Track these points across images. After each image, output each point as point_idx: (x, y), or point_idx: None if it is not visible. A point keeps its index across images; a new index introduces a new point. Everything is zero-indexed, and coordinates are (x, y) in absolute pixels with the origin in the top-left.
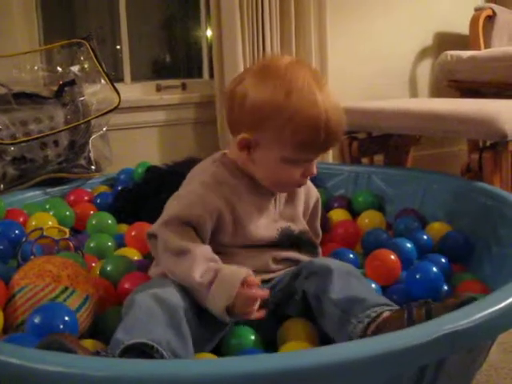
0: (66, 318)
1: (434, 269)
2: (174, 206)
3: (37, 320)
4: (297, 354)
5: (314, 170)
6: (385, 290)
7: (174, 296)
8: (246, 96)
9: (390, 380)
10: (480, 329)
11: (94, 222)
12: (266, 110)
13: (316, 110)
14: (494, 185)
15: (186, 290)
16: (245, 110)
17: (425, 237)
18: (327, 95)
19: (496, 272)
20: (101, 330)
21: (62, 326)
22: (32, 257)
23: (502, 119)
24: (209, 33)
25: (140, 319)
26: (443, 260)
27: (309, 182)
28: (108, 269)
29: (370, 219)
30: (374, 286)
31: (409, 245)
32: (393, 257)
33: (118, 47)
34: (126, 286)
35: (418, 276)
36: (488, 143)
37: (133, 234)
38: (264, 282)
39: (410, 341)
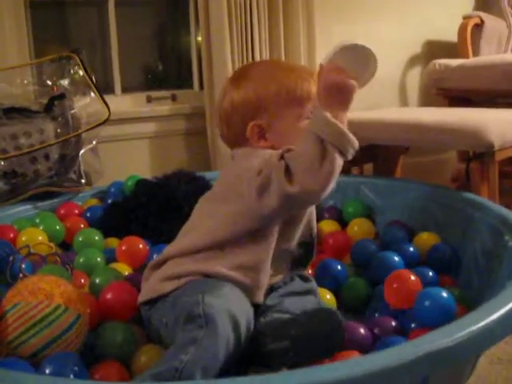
0: (76, 368)
1: (444, 294)
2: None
3: (48, 370)
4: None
5: None
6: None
7: (249, 321)
8: (233, 99)
9: None
10: (459, 348)
11: (80, 239)
12: (255, 93)
13: (284, 65)
14: (482, 195)
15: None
16: (238, 109)
17: (411, 249)
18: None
19: (483, 284)
20: (98, 345)
21: (72, 376)
22: (20, 274)
23: (489, 129)
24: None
25: (219, 356)
26: (430, 274)
27: None
28: (97, 281)
29: (359, 227)
30: None
31: (396, 258)
32: (413, 278)
33: (109, 58)
34: (109, 296)
35: (427, 303)
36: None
37: (123, 248)
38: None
39: (388, 362)
